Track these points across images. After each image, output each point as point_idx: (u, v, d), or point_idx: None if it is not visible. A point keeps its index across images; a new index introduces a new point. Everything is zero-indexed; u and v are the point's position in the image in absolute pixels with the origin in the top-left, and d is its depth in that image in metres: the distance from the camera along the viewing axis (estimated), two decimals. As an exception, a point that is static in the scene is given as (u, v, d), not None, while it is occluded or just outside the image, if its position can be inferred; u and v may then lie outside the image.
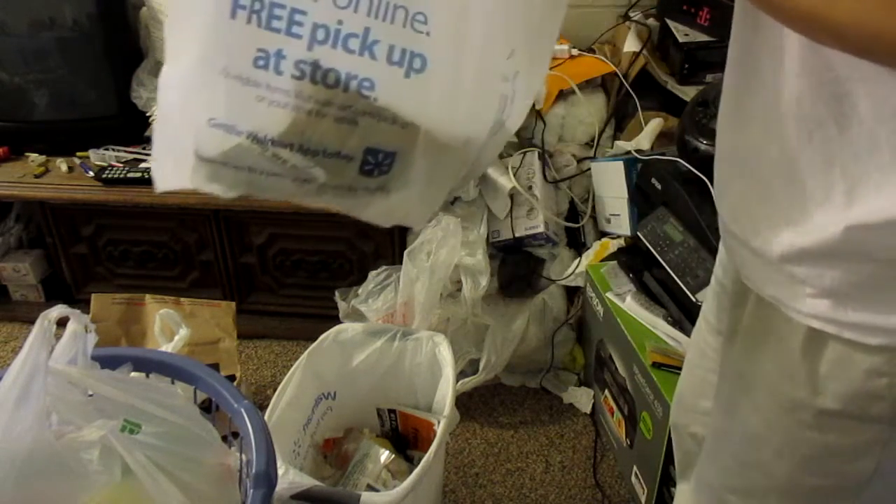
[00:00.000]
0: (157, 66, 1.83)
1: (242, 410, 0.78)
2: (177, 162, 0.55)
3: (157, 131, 0.56)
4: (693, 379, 0.87)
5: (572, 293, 1.70)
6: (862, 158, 0.48)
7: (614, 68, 1.66)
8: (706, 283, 1.21)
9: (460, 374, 1.60)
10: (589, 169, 1.68)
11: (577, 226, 1.71)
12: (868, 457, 0.56)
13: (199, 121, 0.52)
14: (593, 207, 1.69)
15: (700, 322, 0.86)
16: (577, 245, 1.71)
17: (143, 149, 1.81)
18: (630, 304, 1.38)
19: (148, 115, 1.78)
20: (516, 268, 1.69)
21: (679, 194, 1.32)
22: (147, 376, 0.84)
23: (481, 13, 0.50)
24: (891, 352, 0.52)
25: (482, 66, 0.51)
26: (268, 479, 0.72)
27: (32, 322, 0.69)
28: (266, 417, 1.11)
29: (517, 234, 1.65)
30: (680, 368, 1.23)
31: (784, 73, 0.50)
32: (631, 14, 1.75)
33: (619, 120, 1.72)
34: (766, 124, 0.54)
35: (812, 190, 0.51)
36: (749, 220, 0.59)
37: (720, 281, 0.77)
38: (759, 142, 0.55)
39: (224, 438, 0.83)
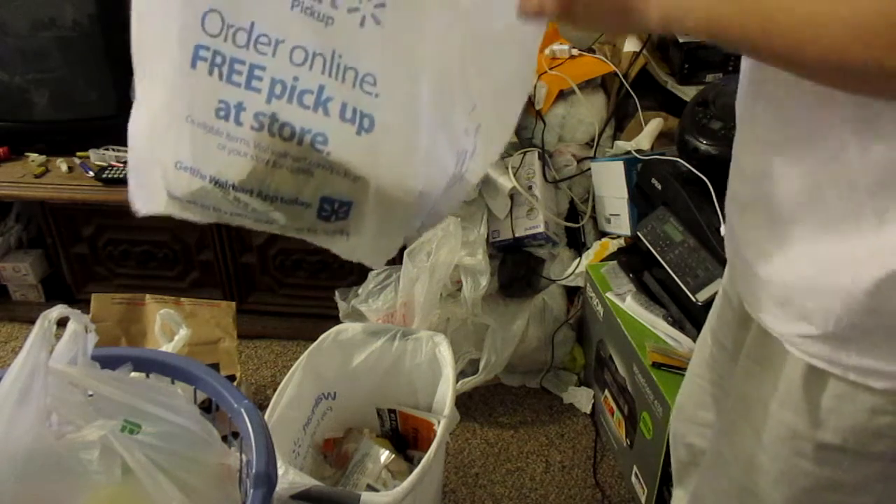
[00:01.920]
0: (157, 66, 1.83)
1: (242, 410, 0.78)
2: (151, 193, 0.58)
3: (132, 164, 0.59)
4: (694, 388, 0.86)
5: (572, 293, 1.70)
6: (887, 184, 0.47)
7: (614, 68, 1.66)
8: (706, 283, 1.21)
9: (460, 374, 1.60)
10: (589, 169, 1.68)
11: (577, 226, 1.71)
12: (868, 493, 0.55)
13: (167, 162, 0.55)
14: (593, 207, 1.69)
15: (706, 332, 0.85)
16: (577, 245, 1.71)
17: (143, 149, 1.81)
18: (630, 304, 1.38)
19: (148, 115, 1.77)
20: (516, 268, 1.69)
21: (679, 194, 1.32)
22: (147, 376, 0.84)
23: (436, 72, 0.51)
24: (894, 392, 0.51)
25: (436, 123, 0.53)
26: (268, 479, 0.72)
27: (32, 322, 0.69)
28: (266, 417, 1.11)
29: (517, 234, 1.65)
30: (680, 368, 1.23)
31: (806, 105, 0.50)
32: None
33: (619, 120, 1.72)
34: (786, 153, 0.53)
35: (837, 221, 0.50)
36: (760, 248, 0.58)
37: (728, 295, 0.75)
38: (778, 170, 0.54)
39: (224, 438, 0.83)
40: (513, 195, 1.65)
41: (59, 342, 0.73)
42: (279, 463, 0.93)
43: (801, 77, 0.46)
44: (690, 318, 1.31)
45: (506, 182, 1.62)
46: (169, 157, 0.54)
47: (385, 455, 1.29)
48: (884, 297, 0.48)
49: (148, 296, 1.57)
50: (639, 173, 1.53)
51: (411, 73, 0.51)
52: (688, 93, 1.57)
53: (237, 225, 0.58)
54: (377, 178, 0.53)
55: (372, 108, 0.51)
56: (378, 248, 0.59)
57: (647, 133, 1.60)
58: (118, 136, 1.82)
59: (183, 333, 1.37)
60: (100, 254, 1.87)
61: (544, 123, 1.70)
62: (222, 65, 0.51)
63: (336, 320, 1.55)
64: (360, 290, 1.64)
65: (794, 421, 0.56)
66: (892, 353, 0.50)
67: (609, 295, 1.44)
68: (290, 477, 0.99)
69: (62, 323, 0.72)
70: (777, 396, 0.57)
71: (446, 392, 1.23)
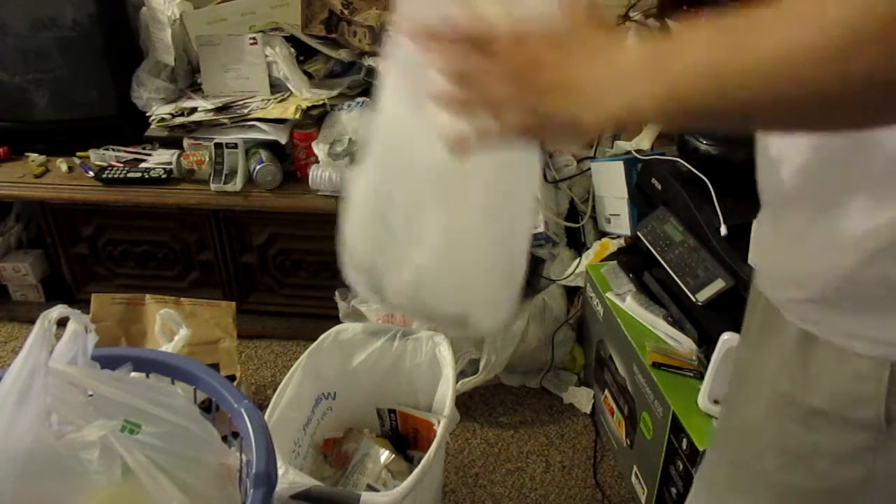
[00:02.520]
0: (157, 66, 1.83)
1: (242, 410, 0.78)
2: None
3: None
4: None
5: (572, 293, 1.70)
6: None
7: (614, 68, 1.66)
8: (706, 283, 1.21)
9: (460, 374, 1.60)
10: (589, 169, 1.68)
11: (577, 226, 1.71)
12: (856, 463, 0.56)
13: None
14: (593, 207, 1.69)
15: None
16: (577, 245, 1.71)
17: (143, 149, 1.81)
18: (630, 304, 1.38)
19: (147, 114, 1.77)
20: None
21: (679, 194, 1.32)
22: (147, 376, 0.84)
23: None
24: (879, 360, 0.52)
25: None
26: (268, 479, 0.72)
27: (32, 322, 0.69)
28: (266, 417, 1.11)
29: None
30: (680, 368, 1.23)
31: None
32: (631, 14, 1.75)
33: (619, 120, 1.71)
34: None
35: (833, 201, 0.51)
36: (761, 221, 0.60)
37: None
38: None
39: (224, 438, 0.83)
40: (513, 195, 1.65)
41: (59, 342, 0.73)
42: (279, 463, 0.93)
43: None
44: (690, 318, 1.31)
45: (506, 182, 1.62)
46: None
47: (385, 455, 1.29)
48: (873, 267, 0.49)
49: (148, 296, 1.57)
50: (639, 173, 1.53)
51: None
52: (688, 93, 1.56)
53: None
54: None
55: None
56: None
57: (647, 133, 1.60)
58: (118, 136, 1.83)
59: (183, 333, 1.37)
60: (100, 254, 1.87)
61: (544, 123, 1.70)
62: None
63: (336, 320, 1.55)
64: (360, 290, 1.64)
65: (786, 387, 0.57)
66: (877, 319, 0.51)
67: (609, 295, 1.44)
68: (290, 477, 0.99)
69: (62, 323, 0.73)
70: (775, 364, 0.59)
71: (446, 392, 1.23)
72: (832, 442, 0.56)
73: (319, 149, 1.60)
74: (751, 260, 0.66)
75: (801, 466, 0.59)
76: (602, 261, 1.57)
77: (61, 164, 1.80)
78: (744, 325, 0.72)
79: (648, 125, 1.53)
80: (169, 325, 1.40)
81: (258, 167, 1.64)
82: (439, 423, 1.17)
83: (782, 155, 0.55)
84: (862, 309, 0.52)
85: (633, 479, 1.38)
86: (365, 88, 1.70)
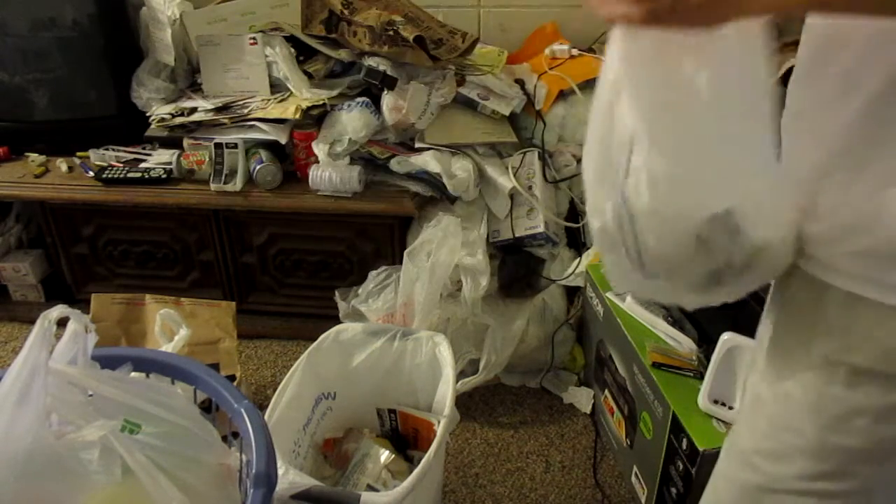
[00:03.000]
0: (157, 66, 1.83)
1: (242, 410, 0.78)
2: None
3: None
4: None
5: (572, 293, 1.70)
6: None
7: (614, 68, 1.66)
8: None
9: (460, 374, 1.60)
10: (589, 169, 1.68)
11: (577, 226, 1.71)
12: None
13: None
14: (593, 207, 1.69)
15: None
16: (577, 245, 1.71)
17: (143, 149, 1.81)
18: (630, 304, 1.38)
19: (147, 114, 1.78)
20: (516, 268, 1.69)
21: (679, 194, 1.32)
22: (147, 376, 0.84)
23: None
24: None
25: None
26: (268, 479, 0.72)
27: (32, 322, 0.69)
28: (266, 417, 1.11)
29: (517, 234, 1.65)
30: (680, 368, 1.23)
31: None
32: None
33: (619, 120, 1.71)
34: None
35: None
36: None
37: None
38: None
39: (224, 438, 0.83)
40: (513, 195, 1.65)
41: (59, 342, 0.73)
42: (279, 463, 0.93)
43: None
44: (690, 318, 1.31)
45: (506, 182, 1.62)
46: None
47: (385, 455, 1.29)
48: None
49: (148, 296, 1.57)
50: (639, 173, 1.53)
51: None
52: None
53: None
54: None
55: None
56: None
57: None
58: (118, 136, 1.83)
59: (183, 333, 1.37)
60: (100, 254, 1.87)
61: (544, 123, 1.70)
62: None
63: (336, 320, 1.55)
64: (360, 290, 1.64)
65: (827, 348, 0.59)
66: None
67: (609, 295, 1.44)
68: (290, 477, 0.99)
69: (62, 323, 0.73)
70: (814, 329, 0.61)
71: (446, 392, 1.23)
72: (874, 400, 0.58)
73: (319, 149, 1.60)
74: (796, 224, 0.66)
75: (840, 426, 0.61)
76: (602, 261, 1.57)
77: (61, 164, 1.80)
78: (768, 309, 0.73)
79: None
80: (169, 325, 1.40)
81: (258, 167, 1.64)
82: (439, 423, 1.17)
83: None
84: None
85: (633, 479, 1.39)
86: (365, 88, 1.70)
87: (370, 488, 1.24)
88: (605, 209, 0.59)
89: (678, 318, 1.33)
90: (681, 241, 0.57)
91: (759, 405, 0.69)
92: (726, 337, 1.11)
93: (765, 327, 0.71)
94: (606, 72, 0.56)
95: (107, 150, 1.81)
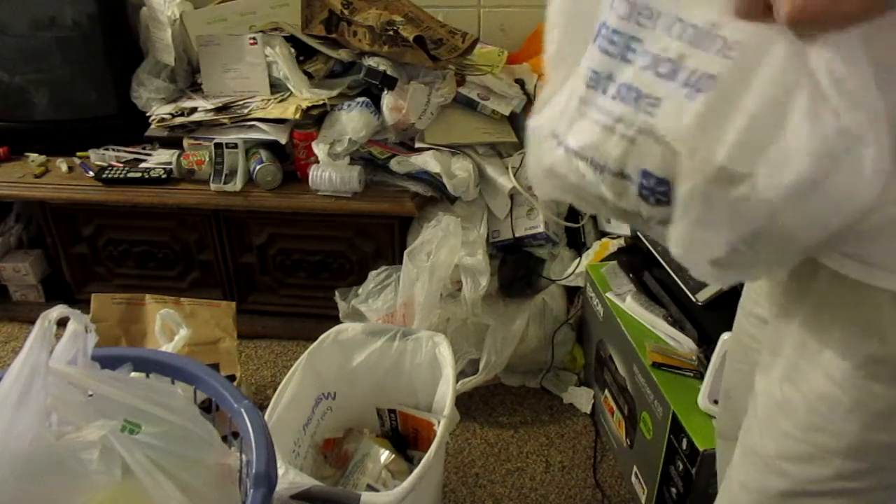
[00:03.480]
0: (157, 66, 1.83)
1: (242, 410, 0.78)
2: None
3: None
4: (740, 377, 0.87)
5: (572, 293, 1.70)
6: None
7: (614, 68, 1.66)
8: (706, 283, 1.21)
9: (460, 374, 1.60)
10: (589, 169, 1.68)
11: (577, 226, 1.71)
12: None
13: (545, 133, 0.58)
14: (593, 207, 1.69)
15: (741, 322, 0.86)
16: (577, 245, 1.71)
17: (143, 149, 1.81)
18: (630, 304, 1.38)
19: (147, 114, 1.78)
20: (516, 268, 1.69)
21: (679, 194, 1.32)
22: (147, 376, 0.84)
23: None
24: None
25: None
26: (268, 479, 0.72)
27: (32, 322, 0.69)
28: (266, 417, 1.11)
29: (517, 234, 1.65)
30: (680, 368, 1.23)
31: None
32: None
33: (619, 120, 1.72)
34: None
35: None
36: None
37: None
38: None
39: (224, 438, 0.83)
40: (513, 195, 1.65)
41: (59, 342, 0.73)
42: (279, 463, 0.93)
43: None
44: (690, 318, 1.31)
45: (506, 182, 1.62)
46: (546, 128, 0.58)
47: (385, 455, 1.29)
48: None
49: (148, 296, 1.57)
50: (639, 173, 1.53)
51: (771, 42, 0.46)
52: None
53: (580, 207, 0.59)
54: (699, 154, 0.48)
55: (719, 69, 0.47)
56: (693, 242, 0.53)
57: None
58: (118, 136, 1.83)
59: (183, 333, 1.38)
60: (100, 254, 1.87)
61: (544, 123, 1.70)
62: (609, 37, 0.52)
63: (336, 320, 1.55)
64: (360, 290, 1.64)
65: (870, 347, 0.58)
66: None
67: (609, 295, 1.44)
68: (290, 477, 0.99)
69: (62, 323, 0.72)
70: (852, 330, 0.59)
71: (446, 392, 1.23)
72: None
73: (319, 149, 1.60)
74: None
75: (883, 423, 0.60)
76: (602, 261, 1.57)
77: (61, 164, 1.80)
78: (773, 304, 0.71)
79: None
80: (169, 325, 1.40)
81: (258, 167, 1.64)
82: (439, 423, 1.17)
83: None
84: None
85: (633, 479, 1.39)
86: (365, 88, 1.70)
87: (370, 488, 1.24)
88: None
89: (678, 318, 1.33)
90: None
91: (782, 408, 0.67)
92: (726, 337, 1.11)
93: (779, 328, 0.69)
94: None
95: (107, 150, 1.81)
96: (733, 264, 0.53)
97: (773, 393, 0.69)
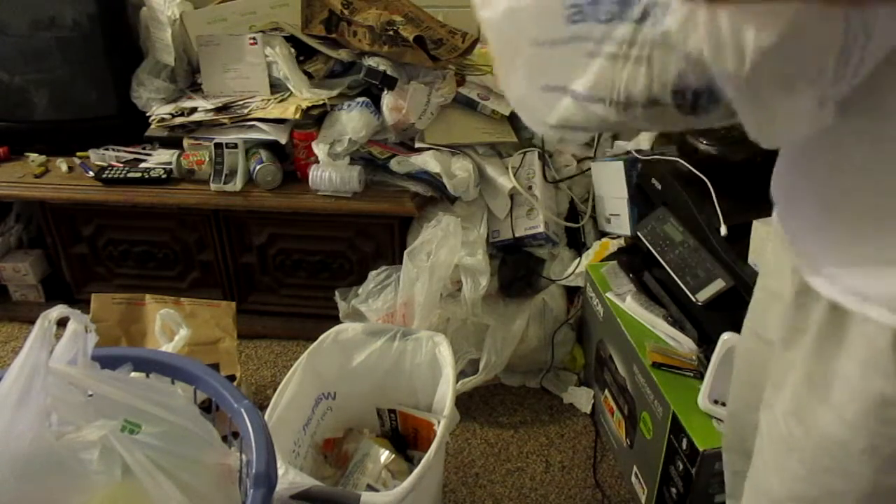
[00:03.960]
0: (157, 66, 1.83)
1: (242, 410, 0.78)
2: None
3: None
4: (745, 391, 0.84)
5: (572, 293, 1.70)
6: None
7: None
8: (706, 283, 1.21)
9: (460, 374, 1.60)
10: (589, 169, 1.68)
11: (577, 226, 1.71)
12: None
13: (535, 88, 0.52)
14: (593, 207, 1.70)
15: (746, 339, 0.83)
16: (577, 245, 1.71)
17: (143, 149, 1.81)
18: (630, 304, 1.38)
19: (148, 114, 1.78)
20: (516, 268, 1.69)
21: (679, 194, 1.32)
22: (147, 376, 0.84)
23: None
24: None
25: None
26: (268, 479, 0.72)
27: (32, 322, 0.69)
28: (266, 417, 1.11)
29: (517, 234, 1.65)
30: (680, 368, 1.23)
31: None
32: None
33: (619, 120, 1.71)
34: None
35: None
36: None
37: (771, 290, 0.74)
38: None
39: (224, 438, 0.83)
40: (513, 195, 1.65)
41: (59, 342, 0.73)
42: (279, 463, 0.93)
43: None
44: (690, 318, 1.31)
45: (506, 182, 1.62)
46: (536, 82, 0.52)
47: (385, 455, 1.29)
48: None
49: (148, 296, 1.57)
50: (639, 173, 1.53)
51: None
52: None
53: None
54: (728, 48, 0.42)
55: None
56: (774, 126, 0.47)
57: (646, 133, 1.60)
58: (118, 136, 1.83)
59: (183, 333, 1.38)
60: (100, 254, 1.87)
61: (544, 123, 1.70)
62: None
63: (336, 320, 1.55)
64: (360, 290, 1.64)
65: (884, 388, 0.55)
66: None
67: (609, 295, 1.44)
68: (290, 477, 0.99)
69: (62, 323, 0.72)
70: (859, 368, 0.56)
71: (446, 392, 1.23)
72: None
73: (319, 149, 1.60)
74: (822, 253, 0.59)
75: None
76: (602, 261, 1.57)
77: (61, 164, 1.80)
78: (774, 328, 0.68)
79: None
80: (169, 325, 1.40)
81: (258, 167, 1.64)
82: (439, 423, 1.17)
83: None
84: None
85: (633, 479, 1.39)
86: (365, 88, 1.70)
87: (370, 488, 1.24)
88: None
89: (678, 318, 1.33)
90: None
91: (787, 444, 0.64)
92: (726, 337, 1.11)
93: (782, 357, 0.66)
94: None
95: (107, 150, 1.81)
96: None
97: (778, 428, 0.66)
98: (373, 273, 1.64)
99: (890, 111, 0.49)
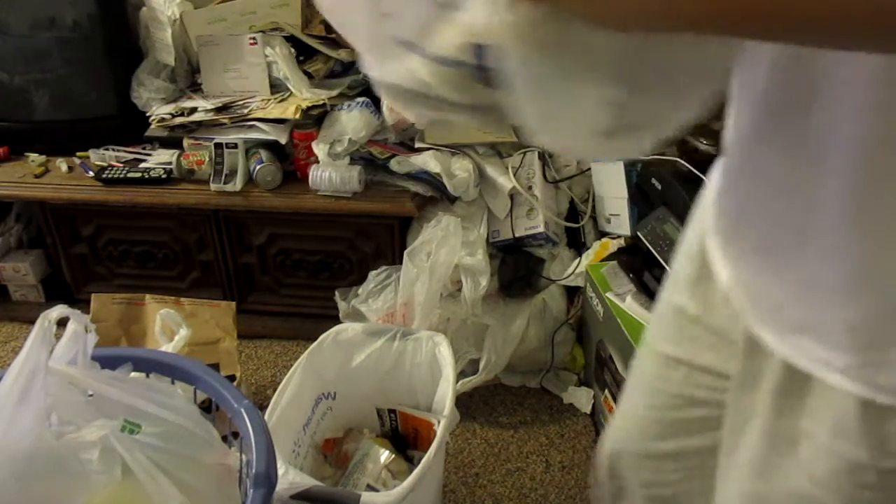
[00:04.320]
0: (157, 66, 1.83)
1: (242, 410, 0.78)
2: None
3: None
4: (646, 416, 0.77)
5: (572, 293, 1.70)
6: None
7: (614, 68, 1.66)
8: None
9: (460, 374, 1.60)
10: (589, 169, 1.68)
11: (577, 226, 1.71)
12: None
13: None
14: (593, 207, 1.69)
15: (651, 355, 0.76)
16: (577, 245, 1.71)
17: (143, 149, 1.81)
18: (630, 304, 1.38)
19: (148, 114, 1.78)
20: (516, 268, 1.69)
21: (679, 194, 1.32)
22: (147, 376, 0.84)
23: None
24: None
25: None
26: (268, 479, 0.72)
27: (32, 322, 0.69)
28: (266, 417, 1.11)
29: (517, 234, 1.65)
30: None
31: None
32: None
33: (619, 120, 1.71)
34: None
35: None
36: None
37: (676, 306, 0.69)
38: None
39: (224, 438, 0.83)
40: (513, 195, 1.65)
41: (59, 342, 0.73)
42: (279, 463, 0.93)
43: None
44: (690, 318, 1.31)
45: (506, 182, 1.62)
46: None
47: (385, 455, 1.29)
48: None
49: (148, 296, 1.57)
50: (639, 173, 1.53)
51: None
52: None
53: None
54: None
55: None
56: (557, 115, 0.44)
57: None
58: (118, 136, 1.83)
59: (183, 333, 1.37)
60: (100, 254, 1.87)
61: (544, 123, 1.70)
62: None
63: (336, 320, 1.55)
64: (360, 290, 1.64)
65: (854, 452, 0.52)
66: None
67: (609, 295, 1.44)
68: (290, 477, 0.99)
69: (62, 323, 0.72)
70: (828, 430, 0.53)
71: (446, 392, 1.23)
72: None
73: (319, 149, 1.60)
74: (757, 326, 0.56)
75: None
76: (602, 261, 1.57)
77: (61, 164, 1.80)
78: (724, 365, 0.63)
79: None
80: (169, 325, 1.40)
81: (258, 167, 1.64)
82: (439, 423, 1.17)
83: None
84: None
85: (633, 479, 1.38)
86: (365, 88, 1.70)
87: (370, 488, 1.24)
88: None
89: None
90: None
91: (754, 500, 0.61)
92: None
93: (740, 406, 0.61)
94: None
95: (107, 150, 1.81)
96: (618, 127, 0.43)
97: (740, 484, 0.62)
98: (373, 273, 1.64)
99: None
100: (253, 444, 0.74)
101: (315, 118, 1.67)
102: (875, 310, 0.48)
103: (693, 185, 1.29)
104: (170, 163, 1.72)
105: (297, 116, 1.61)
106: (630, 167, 1.56)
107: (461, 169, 1.61)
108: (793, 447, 0.56)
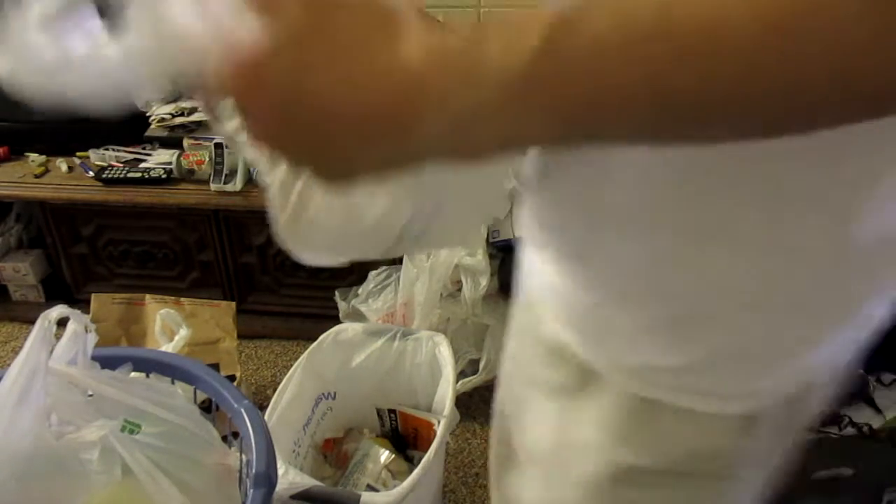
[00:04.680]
0: (157, 66, 1.83)
1: (242, 410, 0.78)
2: None
3: None
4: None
5: (572, 293, 1.70)
6: None
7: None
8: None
9: (460, 374, 1.60)
10: (589, 169, 1.68)
11: (577, 226, 1.71)
12: None
13: None
14: (593, 207, 1.69)
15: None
16: (577, 245, 1.71)
17: (143, 149, 1.81)
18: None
19: (148, 114, 1.77)
20: (516, 268, 1.69)
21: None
22: (147, 376, 0.84)
23: None
24: (739, 416, 0.47)
25: None
26: (268, 479, 0.72)
27: (32, 322, 0.69)
28: (266, 417, 1.11)
29: (517, 234, 1.65)
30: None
31: None
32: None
33: (619, 120, 1.71)
34: None
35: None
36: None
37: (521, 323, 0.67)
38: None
39: (224, 438, 0.83)
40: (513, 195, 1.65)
41: (59, 342, 0.73)
42: (279, 463, 0.93)
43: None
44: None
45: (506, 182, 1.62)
46: None
47: (385, 455, 1.29)
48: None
49: (148, 296, 1.57)
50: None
51: None
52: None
53: None
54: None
55: None
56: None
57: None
58: (118, 136, 1.83)
59: (183, 333, 1.37)
60: (100, 254, 1.87)
61: (544, 123, 1.70)
62: None
63: (336, 320, 1.55)
64: (360, 290, 1.64)
65: (622, 455, 0.51)
66: (729, 376, 0.46)
67: (609, 295, 1.44)
68: (290, 477, 0.99)
69: (62, 323, 0.73)
70: (597, 432, 0.51)
71: (446, 392, 1.23)
72: (676, 497, 0.52)
73: (319, 149, 1.60)
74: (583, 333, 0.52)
75: None
76: (602, 261, 1.57)
77: (61, 164, 1.80)
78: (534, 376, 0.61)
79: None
80: (169, 325, 1.40)
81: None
82: (439, 423, 1.17)
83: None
84: (713, 368, 0.46)
85: (633, 479, 1.38)
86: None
87: (370, 488, 1.24)
88: None
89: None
90: None
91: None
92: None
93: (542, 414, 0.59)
94: None
95: (107, 150, 1.80)
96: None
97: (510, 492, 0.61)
98: (373, 273, 1.64)
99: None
100: (253, 444, 0.74)
101: (315, 118, 1.67)
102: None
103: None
104: (170, 163, 1.72)
105: (297, 116, 1.61)
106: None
107: (461, 169, 1.61)
108: (571, 454, 0.55)
